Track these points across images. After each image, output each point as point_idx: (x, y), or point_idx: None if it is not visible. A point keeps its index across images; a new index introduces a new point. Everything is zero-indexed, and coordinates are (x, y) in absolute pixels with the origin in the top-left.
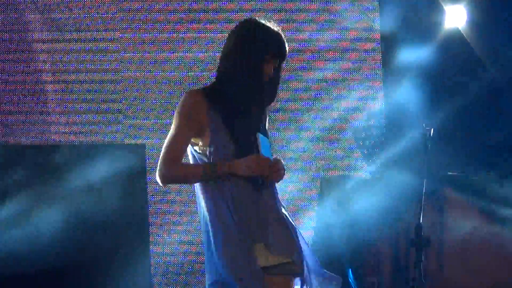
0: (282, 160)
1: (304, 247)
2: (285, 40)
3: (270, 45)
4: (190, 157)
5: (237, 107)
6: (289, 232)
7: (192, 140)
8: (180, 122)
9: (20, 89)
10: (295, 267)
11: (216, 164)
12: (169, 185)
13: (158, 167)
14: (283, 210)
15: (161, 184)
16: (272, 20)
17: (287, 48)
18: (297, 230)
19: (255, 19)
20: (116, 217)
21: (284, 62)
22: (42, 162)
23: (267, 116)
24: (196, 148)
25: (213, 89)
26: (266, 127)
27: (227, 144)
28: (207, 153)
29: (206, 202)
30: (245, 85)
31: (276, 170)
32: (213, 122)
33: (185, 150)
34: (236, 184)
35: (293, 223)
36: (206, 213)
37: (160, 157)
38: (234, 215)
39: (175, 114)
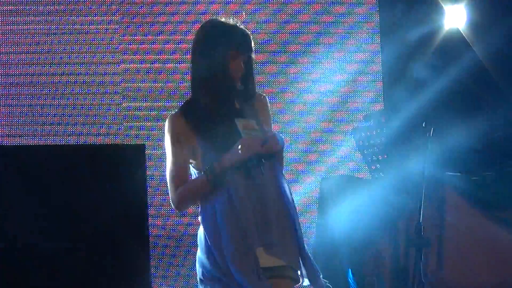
0: (275, 133)
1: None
2: (247, 33)
3: (231, 41)
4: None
5: (214, 120)
6: (291, 233)
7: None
8: (173, 149)
9: (20, 90)
10: (291, 272)
11: (212, 165)
12: (185, 208)
13: (170, 198)
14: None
15: (179, 211)
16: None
17: (251, 40)
18: (299, 231)
19: (212, 19)
20: (115, 217)
21: (252, 54)
22: (41, 163)
23: (263, 106)
24: (193, 165)
25: (189, 106)
26: (264, 116)
27: (218, 155)
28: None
29: (203, 203)
30: (216, 89)
31: (264, 143)
32: (200, 140)
33: (188, 172)
34: (234, 181)
35: (295, 222)
36: (202, 211)
37: (168, 188)
38: (232, 214)
39: (165, 142)
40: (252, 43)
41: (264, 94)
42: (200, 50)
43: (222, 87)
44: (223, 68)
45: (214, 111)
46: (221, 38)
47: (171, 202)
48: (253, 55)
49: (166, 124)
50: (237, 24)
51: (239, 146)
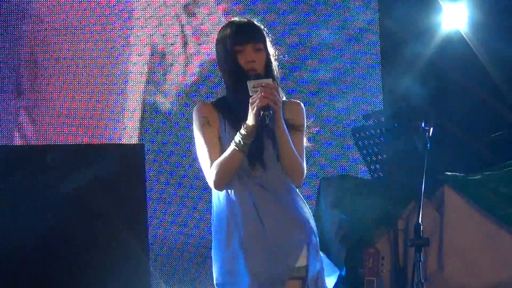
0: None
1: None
2: (246, 22)
3: (229, 37)
4: None
5: (239, 111)
6: (287, 231)
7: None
8: (202, 130)
9: (20, 90)
10: (295, 272)
11: (237, 132)
12: (224, 183)
13: (207, 179)
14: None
15: (219, 190)
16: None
17: (248, 30)
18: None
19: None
20: (114, 217)
21: (263, 43)
22: (41, 163)
23: (297, 114)
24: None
25: (220, 99)
26: (297, 125)
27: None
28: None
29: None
30: (233, 86)
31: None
32: (224, 126)
33: (220, 151)
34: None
35: (299, 217)
36: (213, 213)
37: (203, 170)
38: (232, 216)
39: (194, 128)
40: (256, 31)
41: (300, 102)
42: (216, 55)
43: (235, 84)
44: (232, 65)
45: (235, 104)
46: (222, 39)
47: (211, 185)
48: (268, 44)
49: (194, 112)
50: (234, 19)
51: (250, 107)
